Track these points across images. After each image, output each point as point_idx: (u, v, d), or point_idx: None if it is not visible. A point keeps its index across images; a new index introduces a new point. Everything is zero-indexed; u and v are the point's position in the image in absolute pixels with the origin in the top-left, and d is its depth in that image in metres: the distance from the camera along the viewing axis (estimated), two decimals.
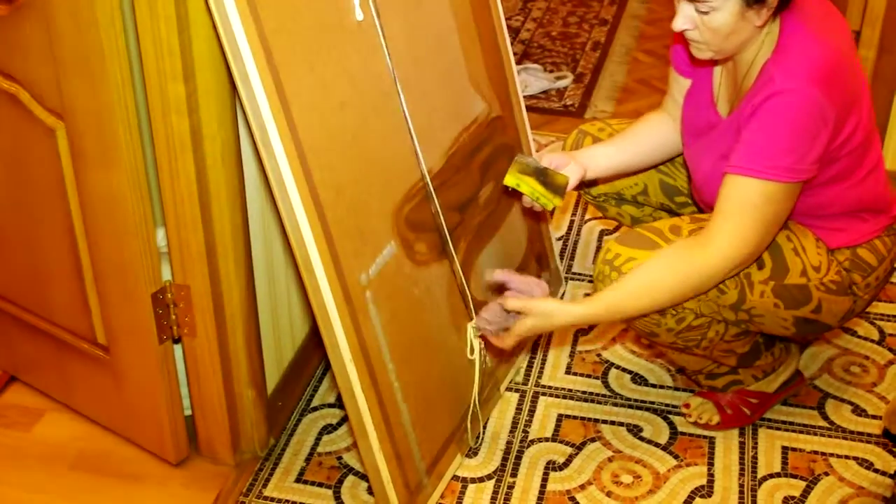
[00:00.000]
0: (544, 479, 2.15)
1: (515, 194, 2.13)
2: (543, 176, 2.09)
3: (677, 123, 2.17)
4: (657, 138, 2.22)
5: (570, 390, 2.37)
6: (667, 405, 2.33)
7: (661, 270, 1.91)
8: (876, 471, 2.16)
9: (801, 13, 1.87)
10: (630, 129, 2.24)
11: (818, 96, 1.80)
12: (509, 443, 2.23)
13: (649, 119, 2.23)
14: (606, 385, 2.39)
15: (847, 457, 2.19)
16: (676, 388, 2.37)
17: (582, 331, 2.54)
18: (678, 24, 1.85)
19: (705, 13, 1.80)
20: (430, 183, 2.05)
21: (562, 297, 2.65)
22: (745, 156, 1.85)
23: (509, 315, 2.00)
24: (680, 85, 2.15)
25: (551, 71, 3.79)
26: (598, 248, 2.82)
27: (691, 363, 2.17)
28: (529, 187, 2.08)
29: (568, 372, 2.42)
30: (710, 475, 2.16)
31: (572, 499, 2.10)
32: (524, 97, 2.55)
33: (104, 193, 1.91)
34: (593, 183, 2.31)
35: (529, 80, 3.65)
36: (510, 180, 2.09)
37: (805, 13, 1.87)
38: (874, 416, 2.29)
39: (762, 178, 1.83)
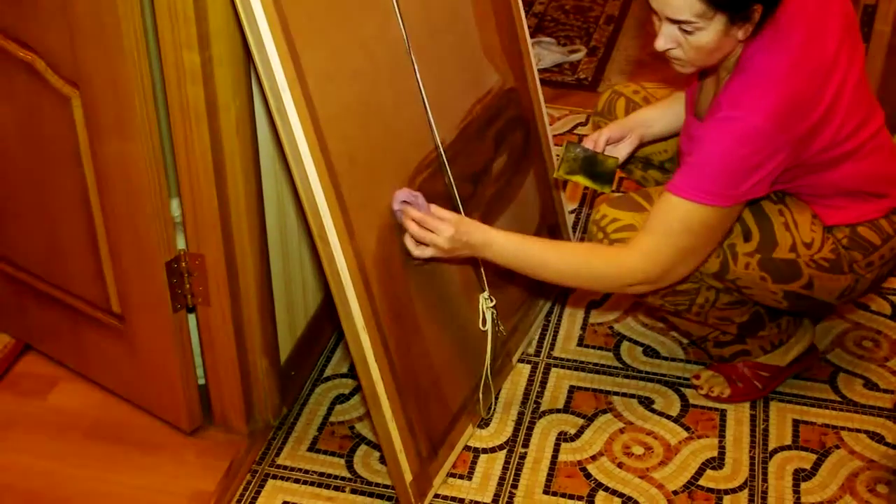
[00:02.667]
0: (556, 450, 2.16)
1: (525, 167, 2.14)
2: (592, 166, 2.13)
3: None
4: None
5: (582, 362, 2.37)
6: (678, 378, 2.33)
7: (580, 254, 1.96)
8: (887, 444, 2.16)
9: (775, 25, 1.80)
10: (680, 93, 2.23)
11: (765, 127, 1.77)
12: (521, 413, 2.24)
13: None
14: (618, 357, 2.39)
15: (858, 430, 2.20)
16: (688, 361, 2.38)
17: (594, 303, 2.55)
18: (661, 44, 1.81)
19: (690, 33, 1.76)
20: (443, 153, 2.05)
21: None
22: (680, 175, 1.85)
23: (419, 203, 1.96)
24: None
25: (564, 44, 3.78)
26: None
27: (693, 329, 2.18)
28: (579, 182, 2.14)
29: (580, 344, 2.43)
30: (721, 447, 2.16)
31: (584, 469, 2.11)
32: (537, 70, 2.55)
33: (119, 162, 1.92)
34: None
35: (543, 54, 3.64)
36: (560, 174, 2.15)
37: (780, 24, 1.80)
38: (886, 391, 2.29)
39: (688, 199, 1.83)
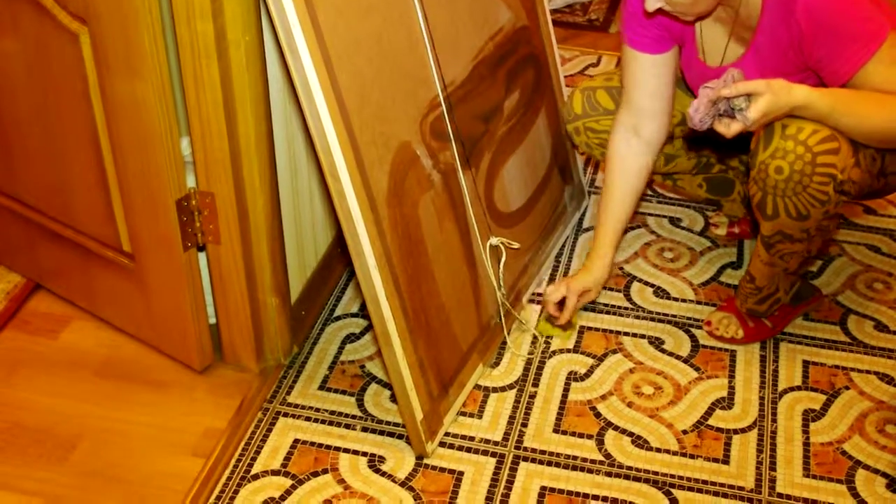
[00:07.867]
0: (566, 390, 2.16)
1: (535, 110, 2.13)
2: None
3: (645, 117, 2.19)
4: (637, 179, 2.26)
5: (592, 302, 2.37)
6: (688, 318, 2.33)
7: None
8: None
9: None
10: (610, 190, 2.26)
11: None
12: (531, 353, 2.25)
13: (620, 168, 2.25)
14: (629, 298, 2.39)
15: (868, 371, 2.20)
16: (698, 302, 2.37)
17: None
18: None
19: None
20: (442, 95, 2.04)
21: (585, 212, 2.64)
22: (845, 55, 1.84)
23: (714, 107, 1.80)
24: (646, 63, 2.15)
25: None
26: None
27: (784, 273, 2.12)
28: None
29: None
30: (731, 387, 2.17)
31: (593, 409, 2.12)
32: (549, 10, 2.52)
33: (129, 100, 1.90)
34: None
35: None
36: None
37: None
38: None
39: (875, 52, 1.82)
